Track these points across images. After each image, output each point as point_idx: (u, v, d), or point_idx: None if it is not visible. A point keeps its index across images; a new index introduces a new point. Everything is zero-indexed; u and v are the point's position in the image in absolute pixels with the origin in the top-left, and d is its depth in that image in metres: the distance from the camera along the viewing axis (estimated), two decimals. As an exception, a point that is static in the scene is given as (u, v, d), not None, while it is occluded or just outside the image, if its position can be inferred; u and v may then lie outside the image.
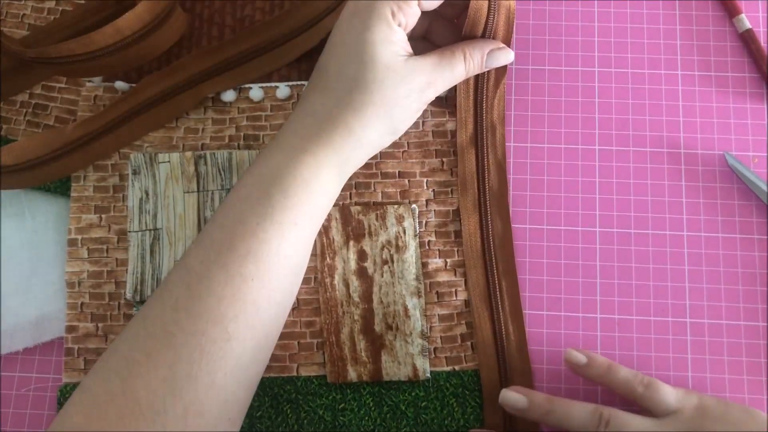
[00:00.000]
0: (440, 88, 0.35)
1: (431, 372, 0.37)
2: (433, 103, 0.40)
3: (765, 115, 0.40)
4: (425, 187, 0.39)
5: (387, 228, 0.38)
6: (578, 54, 0.41)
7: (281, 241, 0.31)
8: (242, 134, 0.40)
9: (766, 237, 0.38)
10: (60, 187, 0.40)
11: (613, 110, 0.40)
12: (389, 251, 0.38)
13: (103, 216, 0.39)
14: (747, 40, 0.40)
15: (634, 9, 0.42)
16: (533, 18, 0.42)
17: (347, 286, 0.38)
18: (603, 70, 0.41)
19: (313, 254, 0.38)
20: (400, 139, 0.39)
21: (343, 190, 0.39)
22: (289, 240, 0.31)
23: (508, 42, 0.36)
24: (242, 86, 0.40)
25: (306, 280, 0.38)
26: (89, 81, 0.41)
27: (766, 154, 0.39)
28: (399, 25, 0.33)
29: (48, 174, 0.38)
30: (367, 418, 0.36)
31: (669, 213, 0.39)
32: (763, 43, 0.40)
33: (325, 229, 0.38)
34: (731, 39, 0.41)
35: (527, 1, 0.42)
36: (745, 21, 0.40)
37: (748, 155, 0.39)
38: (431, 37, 0.38)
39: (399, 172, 0.39)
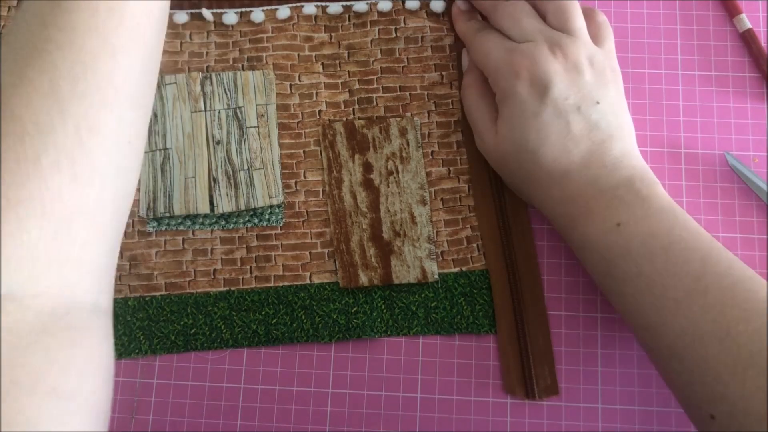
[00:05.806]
0: None
1: (439, 274, 0.38)
2: (431, 19, 0.41)
3: (765, 115, 0.40)
4: (426, 100, 0.40)
5: (390, 140, 0.39)
6: (579, 54, 0.41)
7: None
8: (245, 56, 0.40)
9: (766, 237, 0.38)
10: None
11: None
12: (394, 163, 0.39)
13: (114, 138, 0.40)
14: (747, 39, 0.40)
15: (634, 9, 0.41)
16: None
17: (354, 197, 0.39)
18: None
19: (320, 168, 0.39)
20: (399, 54, 0.41)
21: (345, 106, 0.40)
22: None
23: None
24: (243, 9, 0.41)
25: (314, 193, 0.39)
26: None
27: (766, 154, 0.39)
28: None
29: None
30: (379, 319, 0.37)
31: None
32: (763, 43, 0.40)
33: (331, 144, 0.39)
34: (731, 39, 0.41)
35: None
36: (746, 21, 0.40)
37: (748, 155, 0.39)
38: None
39: (400, 86, 0.40)
